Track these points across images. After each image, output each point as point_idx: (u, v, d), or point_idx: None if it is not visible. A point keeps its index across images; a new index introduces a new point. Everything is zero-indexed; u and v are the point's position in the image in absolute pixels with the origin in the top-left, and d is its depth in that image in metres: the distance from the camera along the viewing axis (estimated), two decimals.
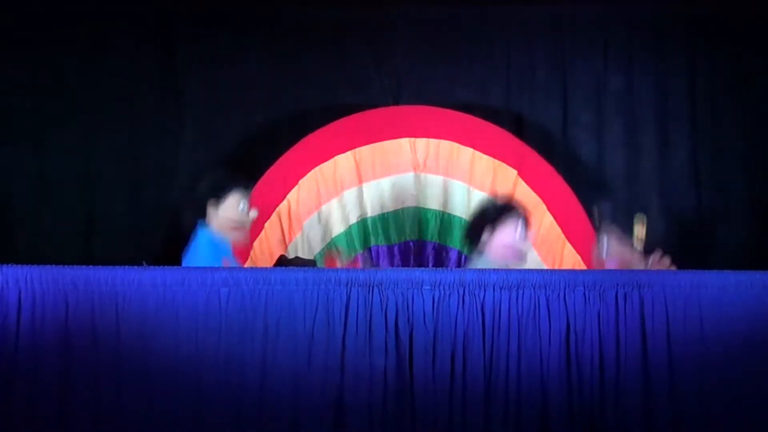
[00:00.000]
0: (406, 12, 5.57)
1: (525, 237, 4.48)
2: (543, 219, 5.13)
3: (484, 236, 4.49)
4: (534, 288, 3.66)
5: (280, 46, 5.52)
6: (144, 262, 4.15)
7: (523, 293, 3.66)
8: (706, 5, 5.45)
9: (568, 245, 5.15)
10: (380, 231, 5.30)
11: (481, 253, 4.49)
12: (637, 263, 4.32)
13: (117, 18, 5.41)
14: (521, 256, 4.50)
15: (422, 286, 3.67)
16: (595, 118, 5.58)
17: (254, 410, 3.65)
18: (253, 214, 4.32)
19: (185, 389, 3.64)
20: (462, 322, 3.66)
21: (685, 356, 3.66)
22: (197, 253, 4.31)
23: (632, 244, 4.31)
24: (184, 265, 4.29)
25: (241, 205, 4.30)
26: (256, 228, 4.87)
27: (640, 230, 4.33)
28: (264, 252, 5.07)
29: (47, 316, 3.65)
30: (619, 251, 4.33)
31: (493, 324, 3.66)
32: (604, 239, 4.34)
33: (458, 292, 3.66)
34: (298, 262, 4.60)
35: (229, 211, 4.29)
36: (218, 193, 4.31)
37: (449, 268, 5.05)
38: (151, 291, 3.66)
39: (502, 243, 4.44)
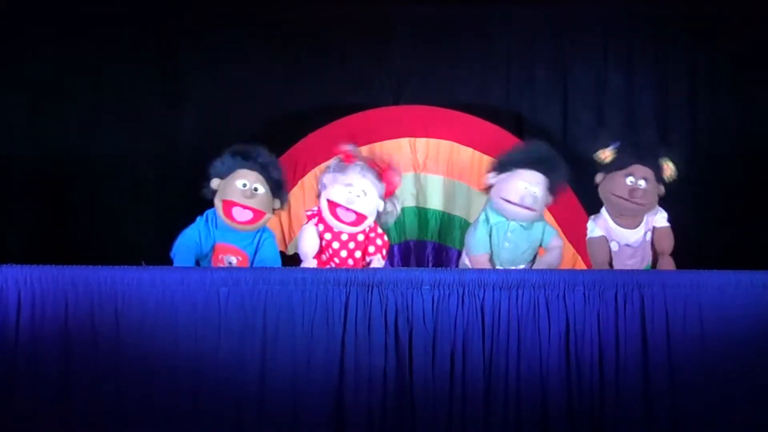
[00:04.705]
0: (406, 12, 5.56)
1: (531, 199, 4.36)
2: None
3: (489, 178, 4.50)
4: (533, 288, 3.66)
5: (280, 45, 5.52)
6: (144, 262, 4.15)
7: (522, 293, 3.66)
8: (706, 5, 5.45)
9: (569, 245, 5.14)
10: None
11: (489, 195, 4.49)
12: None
13: (117, 18, 5.40)
14: (520, 215, 4.39)
15: (422, 286, 3.67)
16: (595, 118, 5.58)
17: (254, 410, 3.65)
18: (261, 191, 4.27)
19: (185, 388, 3.65)
20: (461, 322, 3.66)
21: (685, 356, 3.67)
22: (178, 243, 4.31)
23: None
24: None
25: (240, 183, 4.24)
26: None
27: (667, 170, 4.40)
28: None
29: (47, 315, 3.66)
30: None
31: (493, 324, 3.67)
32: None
33: (458, 292, 3.66)
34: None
35: (226, 189, 4.26)
36: (225, 170, 4.30)
37: (449, 268, 5.05)
38: (151, 291, 3.67)
39: (500, 194, 4.42)
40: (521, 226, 4.41)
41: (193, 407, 3.65)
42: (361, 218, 4.33)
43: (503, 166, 4.48)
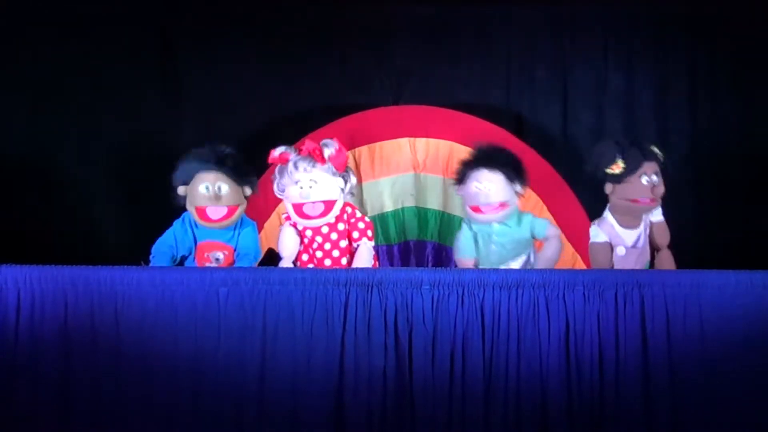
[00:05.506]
0: (406, 12, 5.56)
1: (484, 197, 4.35)
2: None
3: (456, 191, 4.53)
4: (533, 288, 3.66)
5: (280, 46, 5.52)
6: (143, 262, 4.16)
7: (522, 293, 3.66)
8: (706, 5, 5.45)
9: (568, 245, 5.14)
10: (380, 231, 5.29)
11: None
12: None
13: (117, 18, 5.40)
14: (489, 218, 4.39)
15: (421, 285, 3.67)
16: (595, 118, 5.58)
17: (254, 410, 3.65)
18: (225, 189, 4.25)
19: (185, 388, 3.65)
20: (461, 322, 3.66)
21: (685, 356, 3.67)
22: (154, 249, 4.33)
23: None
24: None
25: (202, 188, 4.24)
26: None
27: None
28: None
29: (47, 315, 3.66)
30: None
31: (493, 324, 3.67)
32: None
33: (457, 292, 3.66)
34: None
35: (193, 196, 4.27)
36: (185, 177, 4.31)
37: (449, 268, 5.04)
38: (151, 290, 3.67)
39: (465, 204, 4.45)
40: (506, 225, 4.40)
41: (193, 407, 3.65)
42: (328, 204, 4.29)
43: (461, 176, 4.48)
